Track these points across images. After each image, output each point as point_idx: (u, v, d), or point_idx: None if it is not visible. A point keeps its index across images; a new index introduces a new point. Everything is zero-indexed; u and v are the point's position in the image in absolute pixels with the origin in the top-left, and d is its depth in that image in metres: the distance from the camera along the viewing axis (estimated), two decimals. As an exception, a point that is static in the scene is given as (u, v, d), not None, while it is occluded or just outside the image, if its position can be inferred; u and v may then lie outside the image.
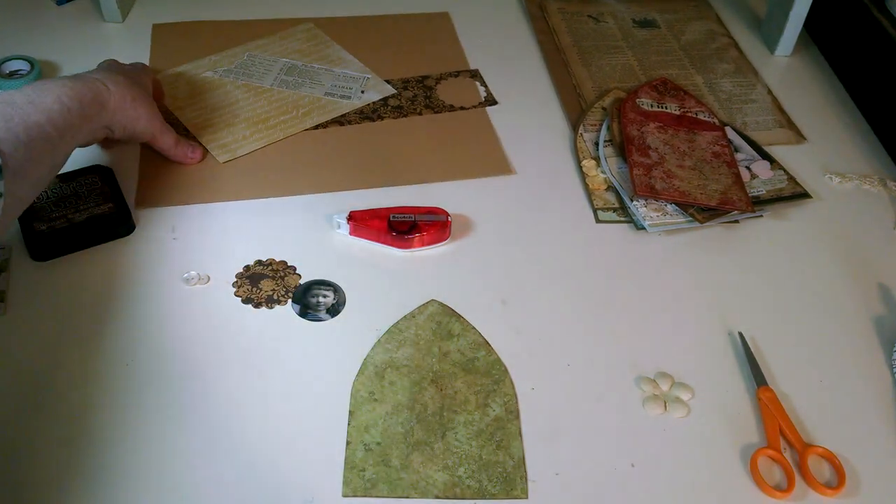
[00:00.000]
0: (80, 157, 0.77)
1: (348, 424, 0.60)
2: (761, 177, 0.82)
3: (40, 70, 0.88)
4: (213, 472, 0.57)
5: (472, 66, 0.95)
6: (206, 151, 0.81)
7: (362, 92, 0.90)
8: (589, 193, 0.80)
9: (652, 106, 0.87)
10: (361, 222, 0.73)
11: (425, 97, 0.90)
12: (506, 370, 0.65)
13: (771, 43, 1.02)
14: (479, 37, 1.00)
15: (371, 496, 0.57)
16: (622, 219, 0.78)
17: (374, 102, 0.89)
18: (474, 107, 0.90)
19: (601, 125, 0.87)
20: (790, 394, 0.64)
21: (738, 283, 0.73)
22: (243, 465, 0.58)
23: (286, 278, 0.70)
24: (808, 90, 0.96)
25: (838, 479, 0.59)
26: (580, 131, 0.86)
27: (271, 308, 0.68)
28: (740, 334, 0.68)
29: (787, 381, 0.65)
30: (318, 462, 0.58)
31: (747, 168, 0.83)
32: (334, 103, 0.88)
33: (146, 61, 0.92)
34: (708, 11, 1.08)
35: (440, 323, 0.68)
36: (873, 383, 0.66)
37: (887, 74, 0.89)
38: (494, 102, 0.91)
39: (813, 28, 1.03)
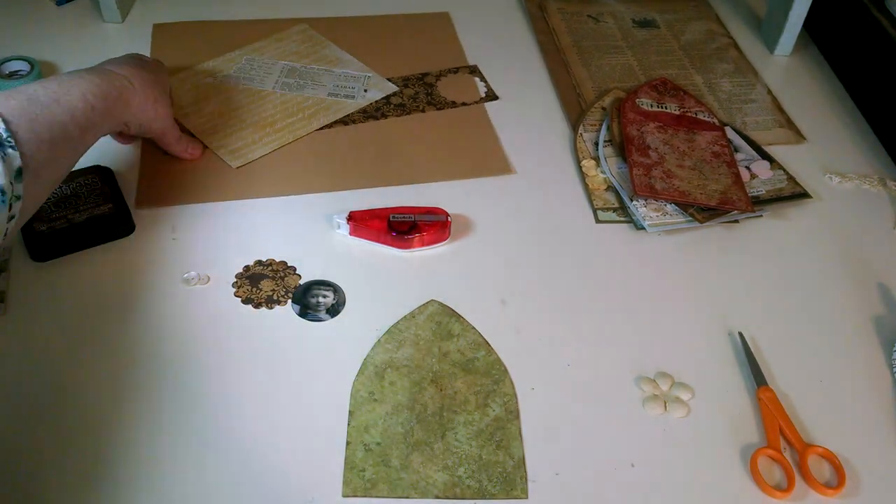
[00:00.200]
0: (79, 158, 0.77)
1: (348, 424, 0.60)
2: (761, 177, 0.82)
3: (40, 70, 0.88)
4: (214, 473, 0.57)
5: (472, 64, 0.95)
6: (205, 149, 0.81)
7: (365, 91, 0.90)
8: (589, 193, 0.80)
9: (652, 106, 0.87)
10: (361, 222, 0.73)
11: (427, 94, 0.90)
12: (506, 370, 0.65)
13: (771, 43, 1.02)
14: (479, 36, 1.00)
15: (371, 496, 0.57)
16: (622, 219, 0.78)
17: (377, 101, 0.89)
18: (476, 102, 0.90)
19: (601, 125, 0.87)
20: (790, 394, 0.64)
21: (738, 282, 0.73)
22: (243, 465, 0.58)
23: (286, 278, 0.70)
24: (808, 90, 0.96)
25: (838, 479, 0.59)
26: (580, 131, 0.86)
27: (271, 308, 0.68)
28: (740, 334, 0.68)
29: (787, 381, 0.65)
30: (319, 462, 0.58)
31: (747, 168, 0.83)
32: (339, 103, 0.88)
33: (146, 61, 0.92)
34: (708, 11, 1.08)
35: (440, 323, 0.68)
36: (873, 383, 0.66)
37: (887, 74, 0.89)
38: (495, 97, 0.91)
39: (813, 28, 1.03)
